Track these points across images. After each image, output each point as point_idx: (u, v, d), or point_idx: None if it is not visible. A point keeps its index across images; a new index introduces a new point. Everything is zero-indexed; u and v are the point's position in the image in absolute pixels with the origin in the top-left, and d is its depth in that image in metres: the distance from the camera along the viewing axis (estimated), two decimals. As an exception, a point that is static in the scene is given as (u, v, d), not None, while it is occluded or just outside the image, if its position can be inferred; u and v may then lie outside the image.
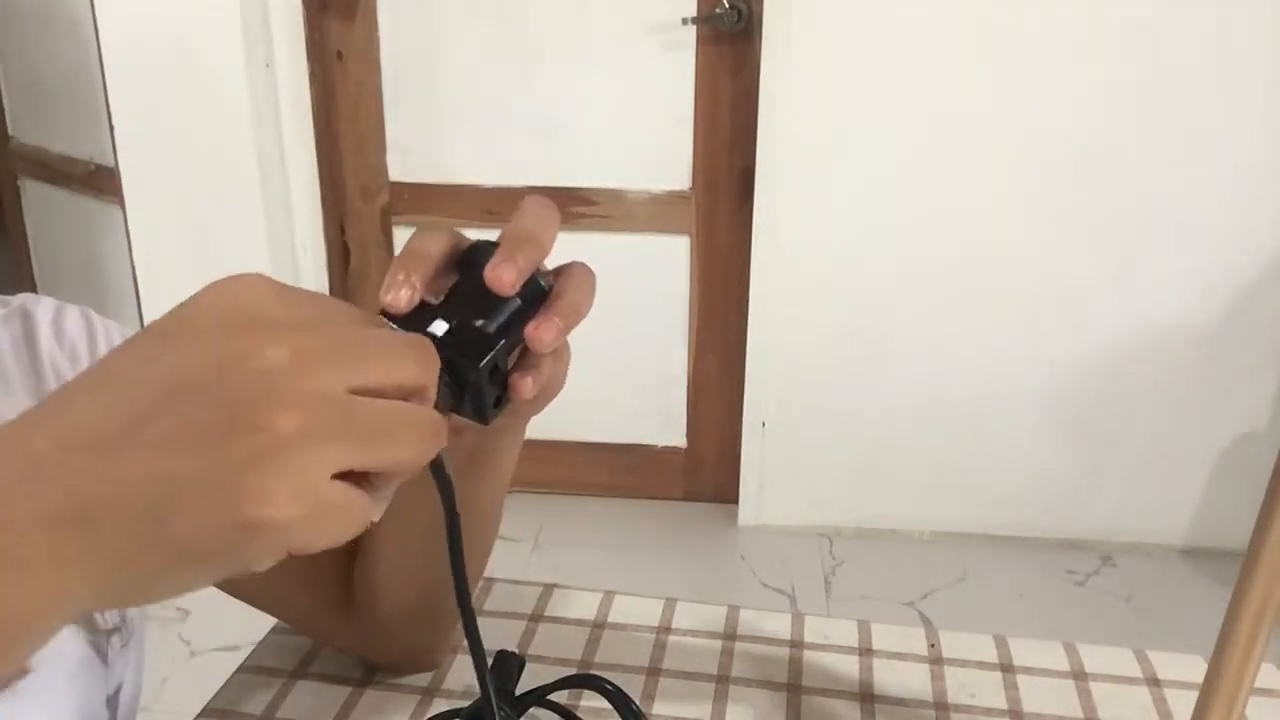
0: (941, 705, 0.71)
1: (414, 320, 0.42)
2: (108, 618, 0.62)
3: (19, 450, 0.32)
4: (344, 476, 0.33)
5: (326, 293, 2.44)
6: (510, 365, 0.45)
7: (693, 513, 2.57)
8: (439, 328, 0.42)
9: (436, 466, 0.42)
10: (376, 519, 0.35)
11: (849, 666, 0.75)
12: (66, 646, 0.58)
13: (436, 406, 0.39)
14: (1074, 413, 2.34)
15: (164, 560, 0.32)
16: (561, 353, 0.48)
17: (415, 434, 0.36)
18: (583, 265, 0.48)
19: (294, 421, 0.32)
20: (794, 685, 0.73)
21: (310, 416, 0.32)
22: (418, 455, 0.36)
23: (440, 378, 0.40)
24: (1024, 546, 2.42)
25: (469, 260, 0.45)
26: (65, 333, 0.65)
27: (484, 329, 0.43)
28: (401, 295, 0.42)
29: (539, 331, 0.44)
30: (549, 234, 0.45)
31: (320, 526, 0.33)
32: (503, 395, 0.44)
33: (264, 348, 0.33)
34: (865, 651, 0.77)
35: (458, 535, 0.45)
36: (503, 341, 0.43)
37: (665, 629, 0.79)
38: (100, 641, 0.61)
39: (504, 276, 0.43)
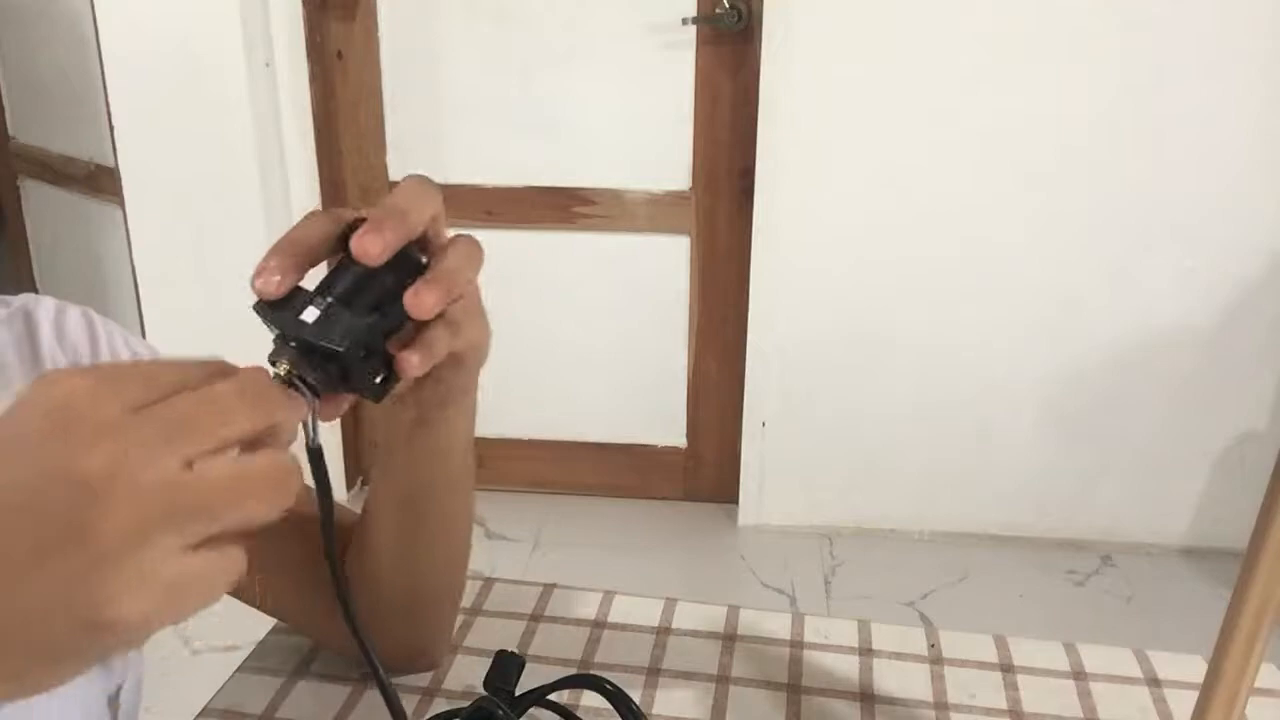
0: (941, 705, 0.71)
1: (287, 305, 0.43)
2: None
3: None
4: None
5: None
6: (402, 341, 0.45)
7: (693, 513, 2.57)
8: (310, 314, 0.42)
9: (315, 456, 0.44)
10: (243, 567, 0.36)
11: (849, 666, 0.75)
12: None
13: (318, 392, 0.41)
14: (1074, 413, 2.34)
15: (25, 664, 0.33)
16: (461, 324, 0.48)
17: (259, 492, 0.36)
18: (467, 237, 0.48)
19: (122, 522, 0.32)
20: (794, 685, 0.73)
21: (139, 511, 0.33)
22: (269, 510, 0.36)
23: (315, 364, 0.41)
24: (1024, 546, 2.42)
25: (347, 240, 0.45)
26: (67, 333, 0.65)
27: (353, 310, 0.43)
28: (271, 282, 0.43)
29: (418, 297, 0.44)
30: (420, 210, 0.45)
31: (180, 603, 0.34)
32: (390, 374, 0.45)
33: (79, 457, 0.32)
34: (865, 651, 0.77)
35: (330, 515, 0.47)
36: (370, 320, 0.43)
37: (665, 629, 0.79)
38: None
39: (369, 248, 0.43)
